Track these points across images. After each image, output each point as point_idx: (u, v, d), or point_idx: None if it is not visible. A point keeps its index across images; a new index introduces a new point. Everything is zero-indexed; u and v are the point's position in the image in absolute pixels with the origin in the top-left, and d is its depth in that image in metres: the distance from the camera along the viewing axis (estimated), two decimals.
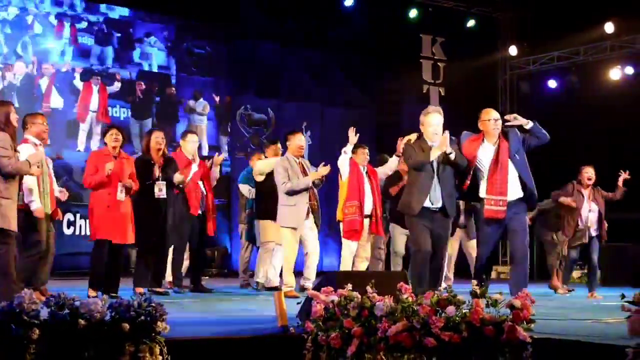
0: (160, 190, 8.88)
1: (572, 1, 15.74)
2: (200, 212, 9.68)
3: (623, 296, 3.75)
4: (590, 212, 9.86)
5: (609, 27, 15.75)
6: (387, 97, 16.89)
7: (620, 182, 9.93)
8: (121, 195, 8.36)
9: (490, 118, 7.91)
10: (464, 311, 4.07)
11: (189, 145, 9.78)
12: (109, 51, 14.81)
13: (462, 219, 11.76)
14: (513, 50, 17.69)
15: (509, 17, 18.20)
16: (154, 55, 15.29)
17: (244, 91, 16.29)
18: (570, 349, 4.07)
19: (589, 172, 9.92)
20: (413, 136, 7.88)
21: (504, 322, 3.96)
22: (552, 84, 17.34)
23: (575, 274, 14.24)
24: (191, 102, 15.45)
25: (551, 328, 4.73)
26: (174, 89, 15.43)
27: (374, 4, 16.27)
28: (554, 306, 7.93)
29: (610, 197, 10.02)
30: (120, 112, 14.82)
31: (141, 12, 15.10)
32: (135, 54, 15.15)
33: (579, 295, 10.34)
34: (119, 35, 14.93)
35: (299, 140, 9.54)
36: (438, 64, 18.12)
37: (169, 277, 9.76)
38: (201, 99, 15.51)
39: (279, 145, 10.44)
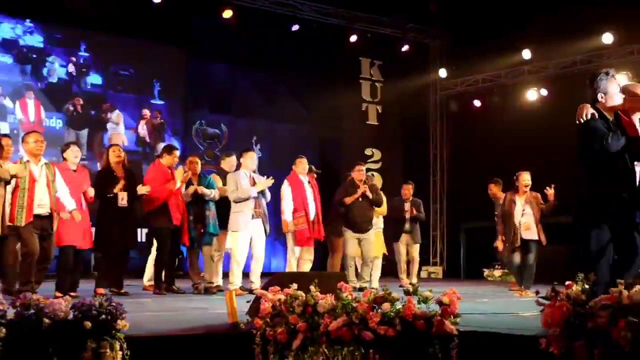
0: (122, 199, 8.85)
1: (495, 30, 15.98)
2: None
3: (537, 292, 3.82)
4: (524, 216, 9.68)
5: (526, 54, 16.03)
6: (329, 114, 16.93)
7: (549, 197, 9.70)
8: (83, 205, 8.45)
9: None
10: (398, 307, 4.10)
11: (172, 160, 9.63)
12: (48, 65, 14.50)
13: (407, 225, 11.87)
14: (443, 73, 17.88)
15: (439, 43, 18.44)
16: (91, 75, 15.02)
17: (198, 108, 16.20)
18: (491, 340, 4.13)
19: (525, 179, 9.76)
20: None
21: (434, 317, 4.00)
22: (477, 103, 17.55)
23: (497, 272, 14.36)
24: (110, 115, 15.11)
25: (475, 322, 4.79)
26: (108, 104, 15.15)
27: (319, 29, 16.33)
28: (480, 302, 8.02)
29: (544, 209, 9.83)
30: (56, 123, 14.44)
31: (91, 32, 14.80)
32: (75, 71, 14.83)
33: (503, 292, 10.44)
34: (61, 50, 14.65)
35: (251, 158, 9.64)
36: (376, 84, 18.23)
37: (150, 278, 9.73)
38: (116, 110, 15.15)
39: (234, 157, 10.43)
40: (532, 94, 16.45)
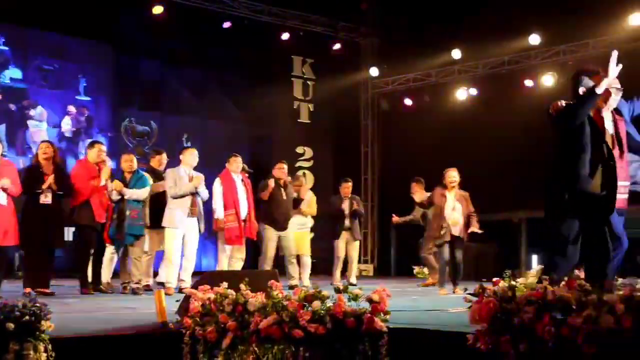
0: (46, 197, 8.67)
1: (426, 30, 16.19)
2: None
3: (465, 289, 3.88)
4: (454, 211, 9.73)
5: (456, 54, 16.28)
6: (261, 112, 16.89)
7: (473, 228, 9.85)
8: (2, 199, 8.18)
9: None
10: (328, 305, 4.12)
11: (96, 155, 9.44)
12: None
13: (347, 222, 11.90)
14: (374, 72, 18.01)
15: (370, 42, 18.58)
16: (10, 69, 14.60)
17: (127, 105, 15.96)
18: (420, 336, 4.17)
19: (451, 175, 9.83)
20: None
21: (364, 314, 4.03)
22: (407, 102, 17.73)
23: (427, 269, 14.47)
24: (32, 111, 14.78)
25: (405, 318, 4.84)
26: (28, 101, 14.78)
27: (251, 27, 16.27)
28: (410, 299, 8.11)
29: (469, 212, 9.88)
30: None
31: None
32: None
33: (433, 289, 10.56)
34: None
35: (191, 154, 9.58)
36: (308, 82, 18.27)
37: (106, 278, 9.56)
38: (39, 106, 14.80)
39: (164, 155, 10.30)
40: (462, 93, 16.72)
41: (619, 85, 5.42)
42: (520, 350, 3.43)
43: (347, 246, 11.94)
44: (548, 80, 15.38)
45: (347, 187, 12.05)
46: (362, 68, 18.50)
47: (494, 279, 3.94)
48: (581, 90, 5.43)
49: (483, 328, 3.60)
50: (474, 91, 16.59)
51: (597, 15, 14.08)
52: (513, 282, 3.88)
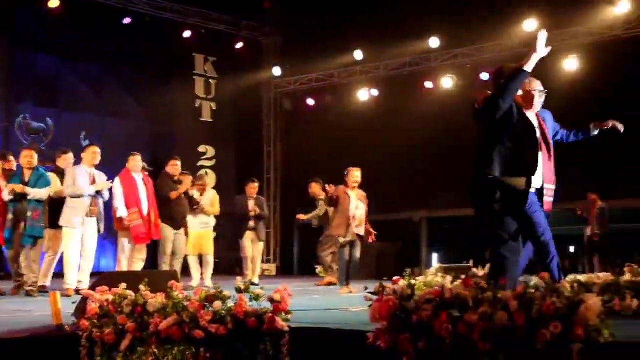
0: None
1: (329, 30, 16.32)
2: None
3: (366, 288, 3.93)
4: (357, 210, 9.72)
5: (358, 55, 16.48)
6: (162, 110, 16.64)
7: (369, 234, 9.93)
8: None
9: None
10: (229, 305, 4.10)
11: None
12: None
13: (252, 222, 11.83)
14: (277, 71, 18.03)
15: (273, 41, 18.60)
16: None
17: (22, 100, 15.44)
18: (321, 335, 4.20)
19: (355, 175, 9.81)
20: None
21: (265, 314, 4.03)
22: (310, 102, 17.82)
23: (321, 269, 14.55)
24: None
25: (306, 318, 4.86)
26: None
27: (152, 23, 16.03)
28: (312, 298, 8.15)
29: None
30: None
31: None
32: None
33: (335, 288, 10.62)
34: None
35: (92, 153, 9.37)
36: (210, 81, 18.11)
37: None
38: None
39: (71, 154, 10.02)
40: (364, 94, 16.92)
41: (542, 88, 5.42)
42: (419, 347, 3.50)
43: (252, 246, 11.91)
44: (447, 82, 15.75)
45: (253, 188, 12.01)
46: (264, 67, 18.49)
47: (394, 278, 4.01)
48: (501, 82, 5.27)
49: (383, 326, 3.65)
50: (375, 92, 16.83)
51: (494, 20, 14.54)
52: (413, 281, 3.96)
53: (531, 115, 5.37)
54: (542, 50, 5.10)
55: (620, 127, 5.67)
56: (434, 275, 7.79)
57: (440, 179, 15.55)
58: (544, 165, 5.27)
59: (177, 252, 10.43)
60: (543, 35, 5.14)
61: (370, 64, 16.80)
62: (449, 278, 7.36)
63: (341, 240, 9.76)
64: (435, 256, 16.29)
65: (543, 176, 5.27)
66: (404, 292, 3.69)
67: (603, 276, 5.95)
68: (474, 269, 11.36)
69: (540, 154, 5.25)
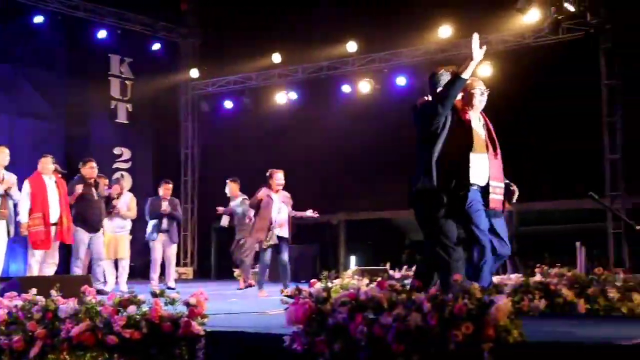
0: None
1: (247, 33, 16.30)
2: None
3: (282, 291, 3.94)
4: (279, 214, 9.70)
5: (277, 57, 16.50)
6: (76, 111, 16.28)
7: (307, 213, 9.89)
8: None
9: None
10: (144, 310, 4.05)
11: None
12: None
13: (164, 224, 11.65)
14: (194, 73, 17.89)
15: (190, 42, 18.45)
16: None
17: None
18: (237, 339, 4.18)
19: (279, 177, 9.79)
20: None
21: (181, 318, 4.00)
22: (228, 104, 17.76)
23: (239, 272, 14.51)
24: None
25: (223, 322, 4.83)
26: None
27: (66, 22, 15.69)
28: (229, 302, 8.10)
29: (289, 213, 9.82)
30: None
31: None
32: None
33: (253, 292, 10.58)
34: None
35: (1, 154, 9.13)
36: (126, 82, 17.80)
37: None
38: None
39: None
40: (282, 97, 16.95)
41: (483, 88, 5.50)
42: (335, 350, 3.52)
43: (165, 249, 11.75)
44: (365, 86, 15.92)
45: (167, 189, 11.87)
46: (182, 69, 18.33)
47: (311, 281, 4.03)
48: (439, 89, 5.36)
49: (299, 329, 3.67)
50: (294, 95, 16.88)
51: (410, 26, 14.79)
52: (329, 284, 3.99)
53: (474, 115, 5.46)
54: (478, 54, 5.17)
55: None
56: (350, 278, 7.85)
57: (358, 182, 15.71)
58: (490, 163, 5.35)
59: (95, 256, 10.22)
60: (476, 38, 5.20)
61: (289, 67, 16.84)
62: (365, 280, 7.45)
63: (263, 244, 9.72)
64: (353, 258, 16.43)
65: (489, 174, 5.34)
66: (320, 295, 3.72)
67: (514, 277, 6.12)
68: (391, 271, 11.54)
69: (485, 154, 5.33)
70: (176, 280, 12.33)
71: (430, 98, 5.49)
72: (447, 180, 5.15)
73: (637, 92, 12.91)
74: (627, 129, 13.43)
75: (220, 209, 12.19)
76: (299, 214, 10.06)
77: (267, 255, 9.75)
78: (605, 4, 13.49)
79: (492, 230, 5.49)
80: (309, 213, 10.09)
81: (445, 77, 5.41)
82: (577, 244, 9.25)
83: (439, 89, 5.36)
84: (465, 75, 5.17)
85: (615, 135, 13.58)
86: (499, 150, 5.45)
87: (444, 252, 5.12)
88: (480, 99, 5.48)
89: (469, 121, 5.37)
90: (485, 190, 5.34)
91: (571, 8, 12.82)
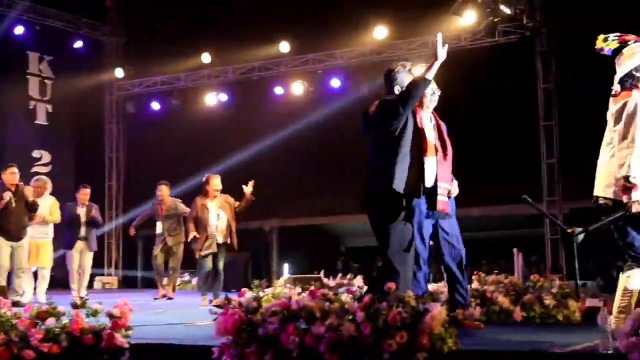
0: None
1: (175, 32, 16.17)
2: None
3: (211, 301, 3.92)
4: (218, 220, 9.58)
5: (206, 58, 16.41)
6: None
7: (246, 192, 9.70)
8: None
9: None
10: (64, 322, 3.98)
11: None
12: None
13: (82, 231, 11.43)
14: (119, 73, 17.64)
15: (115, 41, 18.19)
16: None
17: None
18: (163, 351, 4.15)
19: (216, 183, 9.65)
20: None
21: (103, 331, 3.94)
22: (155, 105, 17.57)
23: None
24: None
25: (148, 333, 4.78)
26: None
27: None
28: (155, 312, 8.01)
29: (237, 207, 9.71)
30: None
31: None
32: None
33: (181, 302, 10.51)
34: None
35: None
36: (45, 81, 17.45)
37: None
38: None
39: None
40: (212, 98, 16.86)
41: (435, 87, 5.57)
42: None
43: (81, 256, 11.54)
44: (298, 88, 15.95)
45: (84, 194, 11.66)
46: (106, 68, 18.04)
47: (241, 290, 4.02)
48: (397, 88, 5.34)
49: (228, 340, 3.65)
50: (224, 96, 16.81)
51: (345, 26, 14.88)
52: (260, 293, 3.98)
53: (425, 115, 5.53)
54: (442, 54, 5.19)
55: None
56: (282, 287, 7.86)
57: (292, 187, 15.72)
58: (439, 164, 5.42)
59: (17, 265, 9.99)
60: (440, 38, 5.21)
61: (219, 67, 16.76)
62: (297, 289, 7.47)
63: (202, 253, 9.57)
64: (286, 266, 16.42)
65: (436, 175, 5.39)
66: (250, 305, 3.71)
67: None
68: (325, 279, 11.58)
69: (434, 157, 5.38)
70: (99, 291, 12.13)
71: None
72: (404, 184, 5.14)
73: (574, 96, 13.20)
74: (564, 133, 13.71)
75: (132, 230, 12.11)
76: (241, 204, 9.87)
77: (208, 262, 9.56)
78: (541, 7, 13.80)
79: (444, 232, 5.73)
80: (246, 191, 9.86)
81: (402, 74, 5.41)
82: (515, 250, 9.41)
83: (395, 86, 5.37)
84: (429, 75, 5.20)
85: (552, 140, 13.86)
86: (449, 152, 5.53)
87: (397, 259, 5.08)
88: (431, 99, 5.60)
89: (421, 122, 5.41)
90: (432, 193, 5.39)
91: (507, 11, 13.05)
